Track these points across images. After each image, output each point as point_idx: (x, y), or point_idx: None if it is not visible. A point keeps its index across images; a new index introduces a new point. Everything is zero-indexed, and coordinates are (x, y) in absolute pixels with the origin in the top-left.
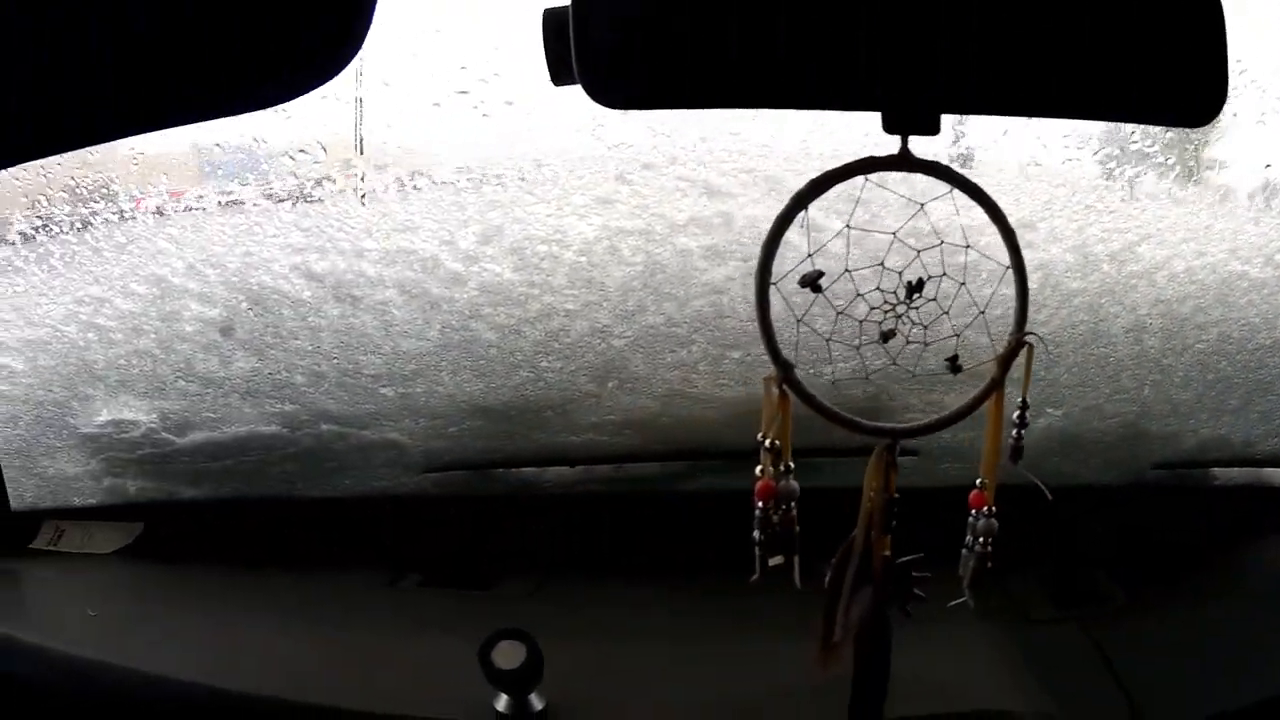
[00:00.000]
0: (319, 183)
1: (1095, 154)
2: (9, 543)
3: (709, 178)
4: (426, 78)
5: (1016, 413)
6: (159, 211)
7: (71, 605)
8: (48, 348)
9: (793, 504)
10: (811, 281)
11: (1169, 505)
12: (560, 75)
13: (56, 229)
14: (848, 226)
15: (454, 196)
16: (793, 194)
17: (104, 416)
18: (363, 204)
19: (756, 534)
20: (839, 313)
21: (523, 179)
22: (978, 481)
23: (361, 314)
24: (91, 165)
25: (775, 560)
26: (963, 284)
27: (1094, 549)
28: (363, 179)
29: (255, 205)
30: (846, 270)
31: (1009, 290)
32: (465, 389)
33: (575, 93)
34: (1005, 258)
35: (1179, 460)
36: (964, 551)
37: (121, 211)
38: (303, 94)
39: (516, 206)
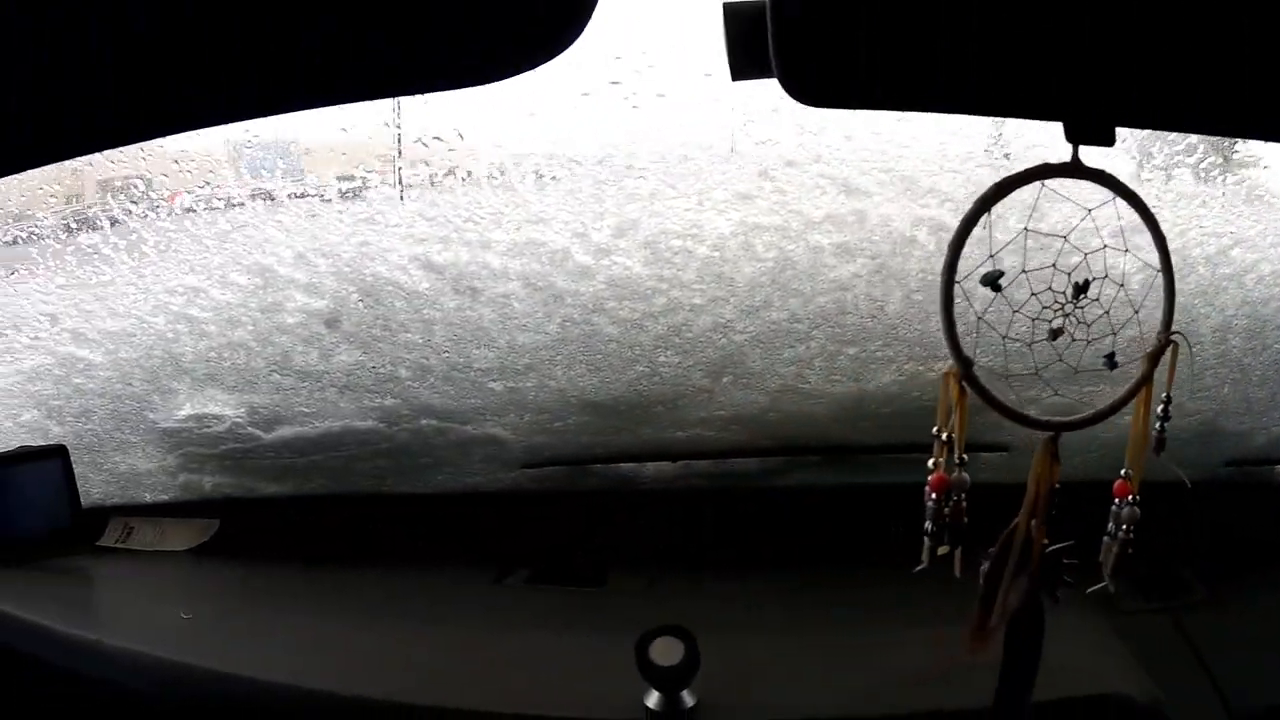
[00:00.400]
0: (451, 171)
1: (1200, 161)
2: (76, 539)
3: (849, 176)
4: (575, 68)
5: (1160, 407)
6: (269, 197)
7: (145, 603)
8: (131, 340)
9: (963, 495)
10: (992, 281)
11: (1240, 501)
12: (745, 70)
13: (153, 214)
14: (1025, 230)
15: (593, 189)
16: (977, 197)
17: (186, 411)
18: (495, 193)
19: (928, 524)
20: (1015, 310)
21: (667, 173)
22: (1123, 472)
23: (480, 307)
24: (190, 152)
25: (943, 550)
26: (1121, 285)
27: (1172, 544)
28: (501, 171)
29: (378, 193)
30: (1023, 271)
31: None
32: (578, 383)
33: (726, 88)
34: (1155, 260)
35: (1250, 458)
36: (1105, 539)
37: (229, 198)
38: (526, 70)
39: (656, 200)
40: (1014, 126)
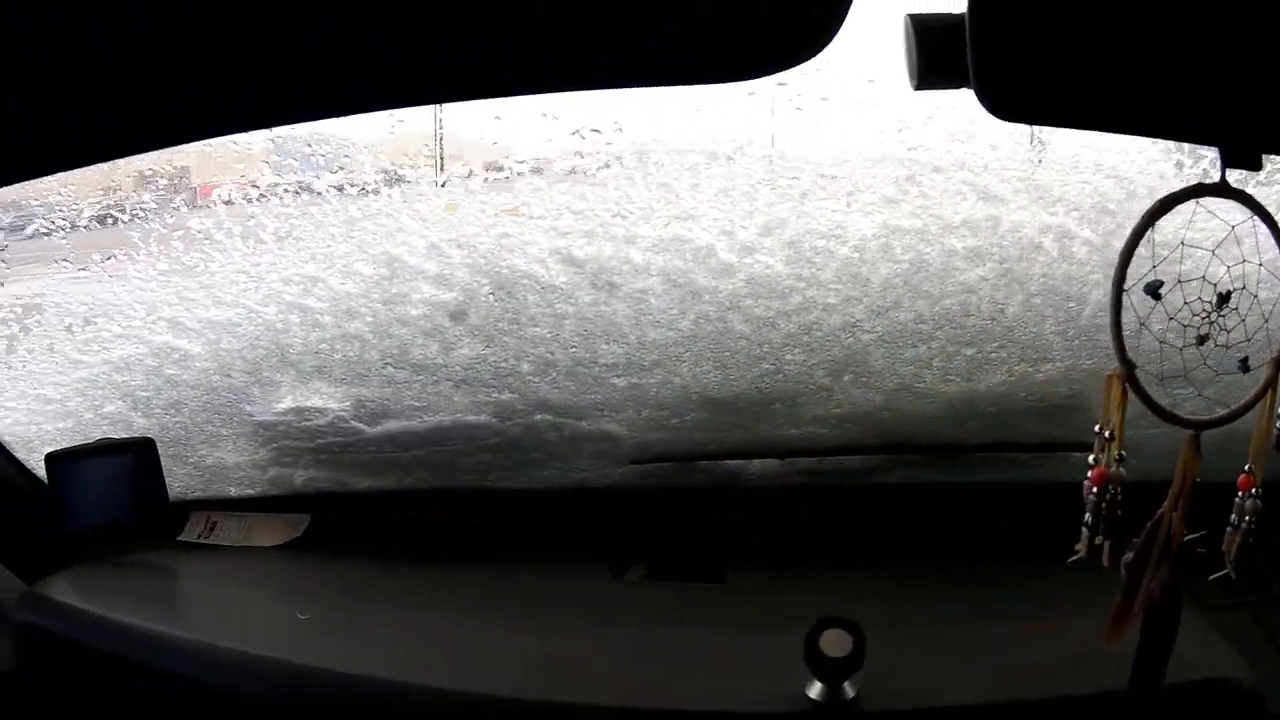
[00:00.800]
0: (606, 164)
1: None
2: (156, 534)
3: (989, 183)
4: None
5: None
6: (396, 179)
7: (233, 599)
8: (236, 330)
9: (1118, 490)
10: (1154, 290)
11: None
12: (932, 79)
13: (275, 199)
14: (1183, 244)
15: (747, 188)
16: (1144, 212)
17: (287, 404)
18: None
19: (1087, 516)
20: (1171, 318)
21: (820, 174)
22: (1246, 466)
23: (616, 302)
24: (324, 134)
25: (1099, 540)
26: (1256, 296)
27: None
28: (658, 166)
29: (527, 184)
30: (1179, 282)
31: None
32: (702, 380)
33: (887, 94)
34: None
35: None
36: (1228, 529)
37: (364, 185)
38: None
39: (806, 200)
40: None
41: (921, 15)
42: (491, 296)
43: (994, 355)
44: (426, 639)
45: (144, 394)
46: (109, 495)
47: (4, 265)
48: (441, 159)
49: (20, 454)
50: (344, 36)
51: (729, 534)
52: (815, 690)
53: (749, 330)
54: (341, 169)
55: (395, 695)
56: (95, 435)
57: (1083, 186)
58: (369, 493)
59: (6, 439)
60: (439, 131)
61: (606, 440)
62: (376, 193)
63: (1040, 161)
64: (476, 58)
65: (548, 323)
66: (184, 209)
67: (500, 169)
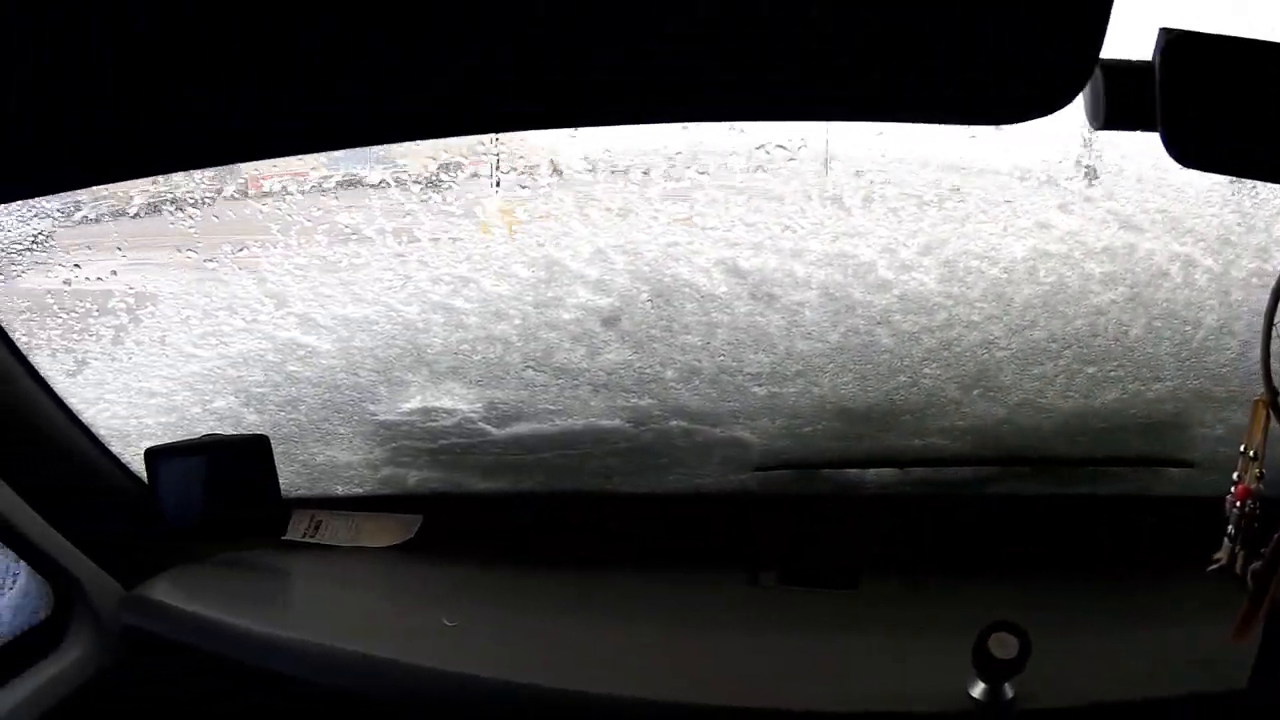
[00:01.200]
0: (787, 180)
1: None
2: (261, 532)
3: (1131, 213)
4: None
5: None
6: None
7: (343, 599)
8: (372, 328)
9: (1257, 505)
10: None
11: None
12: (1117, 122)
13: (438, 199)
14: None
15: (916, 208)
16: None
17: (414, 404)
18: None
19: (1230, 529)
20: None
21: (985, 199)
22: None
23: (772, 313)
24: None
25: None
26: None
27: None
28: (834, 184)
29: (704, 194)
30: None
31: None
32: (839, 391)
33: (1061, 126)
34: None
35: None
36: None
37: (533, 185)
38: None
39: (968, 223)
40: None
41: (1111, 61)
42: (649, 303)
43: (1112, 373)
44: (551, 640)
45: (260, 390)
46: (211, 493)
47: (119, 252)
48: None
49: (116, 448)
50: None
51: (850, 541)
52: (978, 690)
53: (893, 344)
54: (514, 170)
55: (516, 696)
56: (200, 431)
57: (1211, 219)
58: (484, 495)
59: (102, 433)
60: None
61: (736, 447)
62: (548, 196)
63: (1178, 195)
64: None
65: (700, 331)
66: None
67: (679, 179)
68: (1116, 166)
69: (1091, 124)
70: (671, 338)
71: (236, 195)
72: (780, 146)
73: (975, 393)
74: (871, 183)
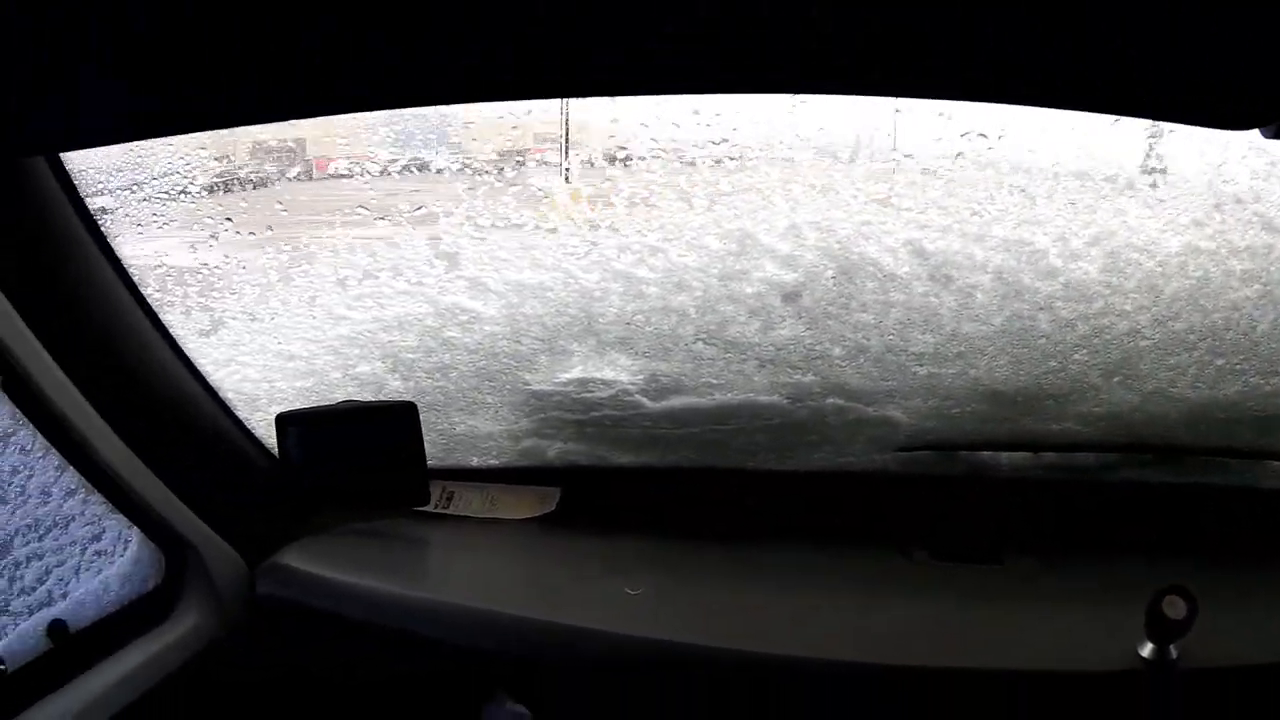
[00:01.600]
0: (982, 167)
1: None
2: (396, 503)
3: (1274, 216)
4: None
5: None
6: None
7: (483, 568)
8: (544, 294)
9: None
10: None
11: None
12: None
13: (642, 167)
14: None
15: (1092, 200)
16: None
17: (573, 374)
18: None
19: None
20: None
21: (1154, 196)
22: None
23: (945, 294)
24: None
25: None
26: None
27: None
28: (1026, 173)
29: (905, 176)
30: None
31: None
32: (993, 374)
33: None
34: None
35: None
36: None
37: (741, 158)
38: None
39: (1133, 215)
40: None
41: None
42: (832, 280)
43: (1238, 366)
44: (714, 605)
45: (410, 356)
46: (349, 460)
47: (280, 208)
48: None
49: (243, 413)
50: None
51: (985, 522)
52: (1147, 650)
53: (1050, 330)
54: (725, 140)
55: (671, 653)
56: (336, 397)
57: None
58: (624, 469)
59: (230, 396)
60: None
61: (884, 426)
62: (754, 170)
63: None
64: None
65: (875, 309)
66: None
67: (884, 161)
68: (1265, 171)
69: (1265, 133)
70: (847, 315)
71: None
72: (981, 135)
73: (1115, 380)
74: (1057, 175)
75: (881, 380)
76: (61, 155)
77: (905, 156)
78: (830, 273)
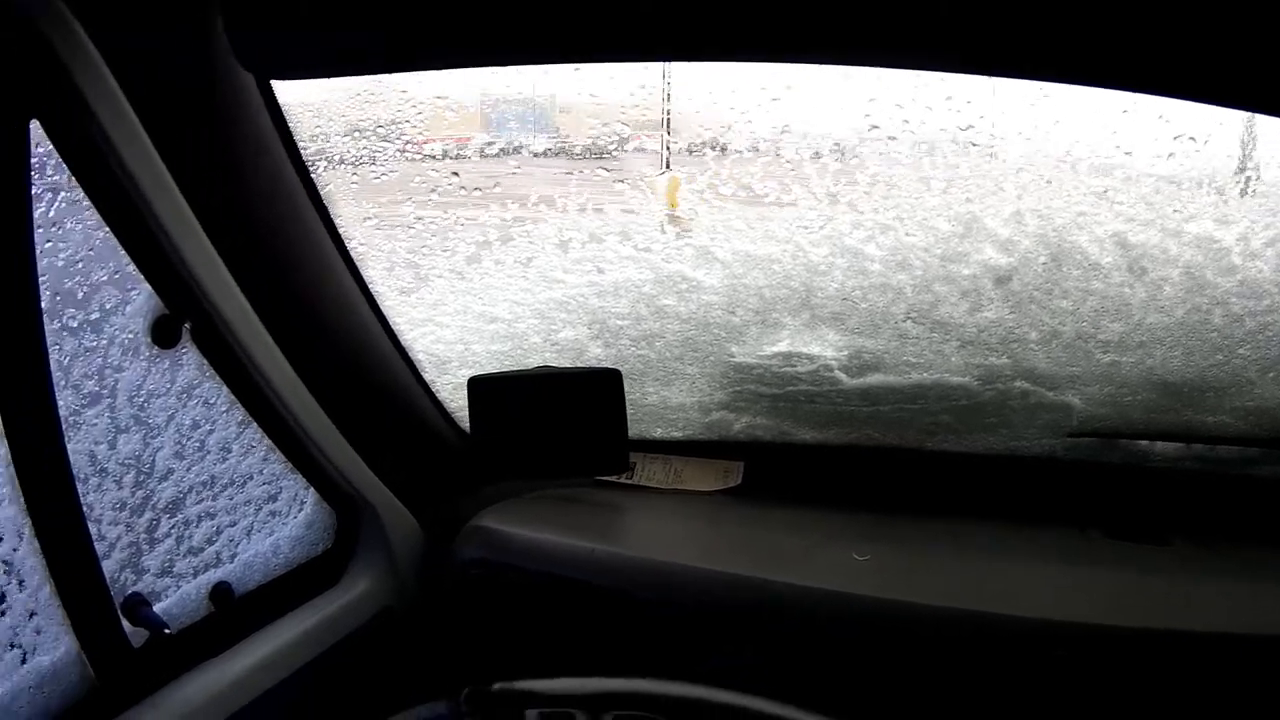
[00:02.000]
0: (1189, 169)
1: None
2: (602, 470)
3: None
4: None
5: None
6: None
7: (672, 531)
8: (770, 266)
9: None
10: None
11: None
12: None
13: (894, 147)
14: None
15: (1274, 203)
16: None
17: (779, 348)
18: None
19: None
20: None
21: None
22: None
23: (1138, 285)
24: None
25: None
26: None
27: None
28: (1252, 175)
29: (1122, 171)
30: None
31: None
32: (1166, 364)
33: None
34: None
35: None
36: None
37: (984, 145)
38: None
39: None
40: None
41: None
42: (1042, 267)
43: None
44: (916, 569)
45: (619, 323)
46: (544, 426)
47: (515, 165)
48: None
49: (430, 375)
50: None
51: (1147, 506)
52: None
53: (1222, 324)
54: (970, 126)
55: (898, 614)
56: (533, 362)
57: None
58: (806, 445)
59: (420, 357)
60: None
61: (1060, 411)
62: (992, 156)
63: None
64: None
65: (1074, 296)
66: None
67: (1107, 157)
68: None
69: None
70: (1049, 300)
71: None
72: (1190, 138)
73: (1270, 375)
74: (1255, 177)
75: (1067, 365)
76: (277, 95)
77: (1125, 154)
78: (1042, 259)
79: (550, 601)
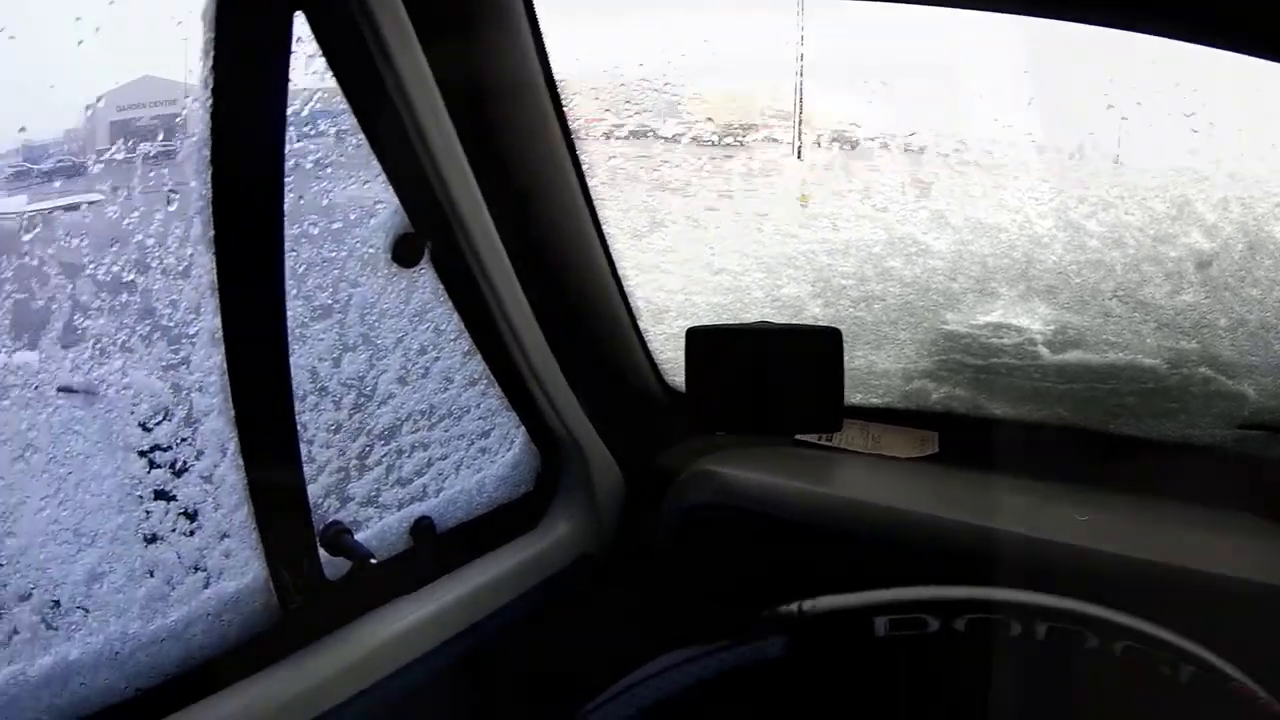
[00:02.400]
0: None
1: None
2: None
3: None
4: None
5: None
6: None
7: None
8: (998, 235)
9: None
10: None
11: None
12: None
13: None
14: None
15: None
16: None
17: (991, 318)
18: None
19: None
20: None
21: None
22: None
23: None
24: None
25: None
26: None
27: None
28: None
29: None
30: None
31: None
32: None
33: None
34: None
35: None
36: None
37: (1213, 126)
38: None
39: None
40: None
41: None
42: (1239, 254)
43: None
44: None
45: (843, 282)
46: (757, 382)
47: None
48: None
49: (645, 324)
50: None
51: None
52: None
53: None
54: (1193, 114)
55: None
56: (750, 317)
57: None
58: (998, 419)
59: (638, 304)
60: None
61: (1234, 400)
62: (1220, 143)
63: None
64: None
65: (1264, 285)
66: None
67: None
68: None
69: None
70: (1241, 288)
71: None
72: None
73: None
74: None
75: (1248, 355)
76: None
77: None
78: (1241, 246)
79: (787, 544)
